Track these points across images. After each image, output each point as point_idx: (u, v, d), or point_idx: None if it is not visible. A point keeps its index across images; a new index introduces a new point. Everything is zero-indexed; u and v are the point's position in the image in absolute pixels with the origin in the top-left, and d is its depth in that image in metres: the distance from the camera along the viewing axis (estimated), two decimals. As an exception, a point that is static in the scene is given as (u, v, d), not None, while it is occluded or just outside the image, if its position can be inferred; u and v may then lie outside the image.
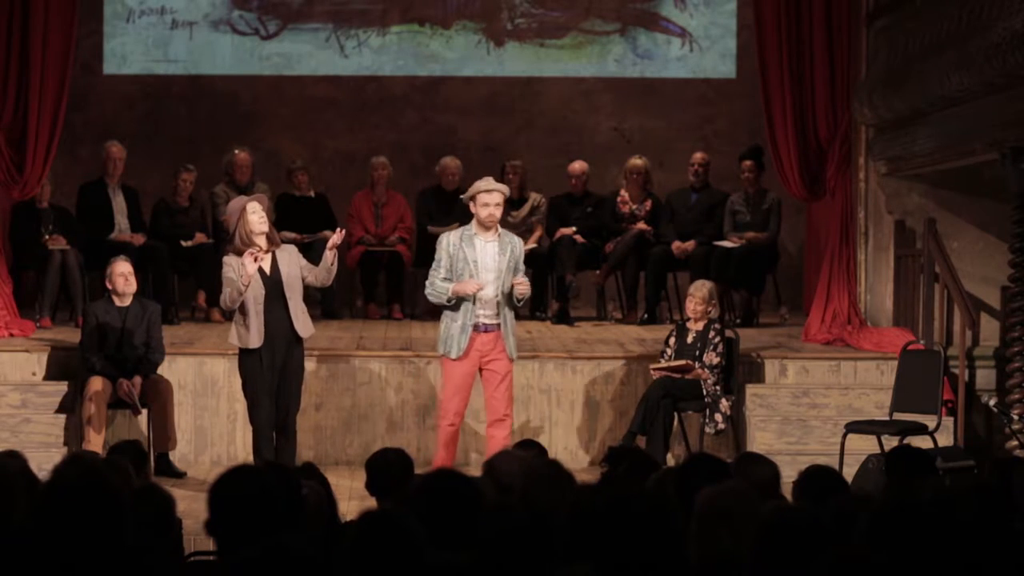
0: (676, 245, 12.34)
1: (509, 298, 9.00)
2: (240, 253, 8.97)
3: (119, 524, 3.83)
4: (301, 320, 9.07)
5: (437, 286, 9.08)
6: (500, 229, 9.11)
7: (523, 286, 8.95)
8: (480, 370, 9.06)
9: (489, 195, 9.02)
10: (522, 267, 9.13)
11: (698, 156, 12.81)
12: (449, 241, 9.10)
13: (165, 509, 4.83)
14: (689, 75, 14.76)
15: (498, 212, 9.05)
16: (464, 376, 9.04)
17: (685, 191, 12.79)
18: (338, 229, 9.29)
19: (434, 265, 9.15)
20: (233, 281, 8.89)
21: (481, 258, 8.99)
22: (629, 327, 12.21)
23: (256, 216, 9.03)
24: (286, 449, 9.09)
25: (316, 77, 14.68)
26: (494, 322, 9.00)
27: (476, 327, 8.98)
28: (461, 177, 12.94)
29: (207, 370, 10.38)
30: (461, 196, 9.42)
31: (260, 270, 8.97)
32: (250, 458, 9.26)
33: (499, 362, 9.00)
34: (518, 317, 12.38)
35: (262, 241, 9.02)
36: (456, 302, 8.99)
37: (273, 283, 9.01)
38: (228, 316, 9.32)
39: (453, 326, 9.03)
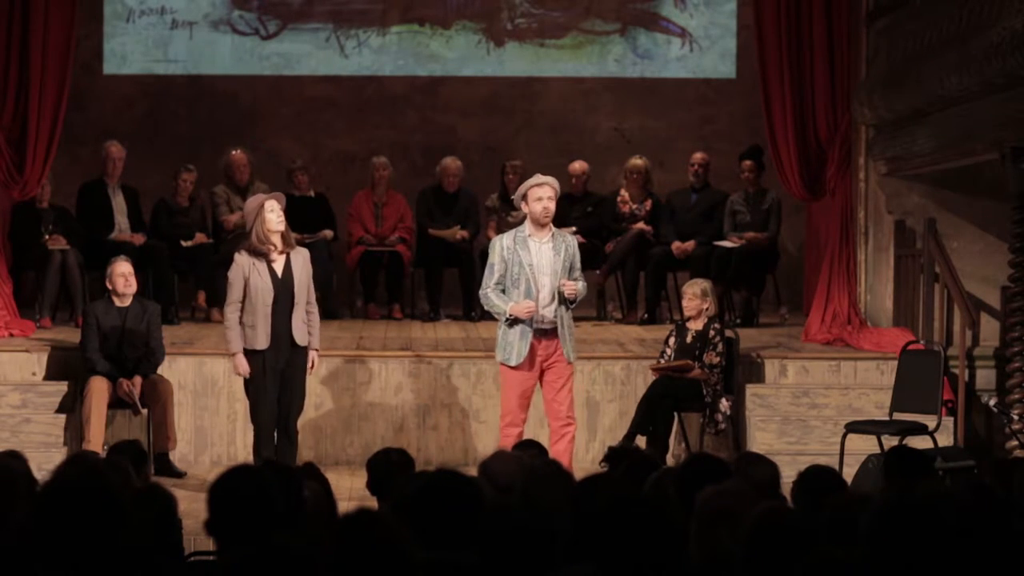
0: (676, 245, 12.34)
1: (563, 298, 8.77)
2: (254, 251, 8.99)
3: (120, 525, 3.83)
4: (300, 328, 9.08)
5: (493, 302, 8.79)
6: (553, 228, 8.86)
7: (568, 288, 8.67)
8: (540, 374, 8.86)
9: (541, 188, 8.75)
10: (578, 266, 8.88)
11: (698, 156, 12.81)
12: (503, 244, 8.83)
13: (167, 509, 4.82)
14: (689, 75, 14.76)
15: (552, 206, 8.76)
16: (525, 381, 8.79)
17: (685, 191, 12.79)
18: (311, 361, 9.23)
19: (487, 271, 8.88)
20: (230, 331, 9.04)
21: (537, 261, 8.75)
22: (629, 327, 12.20)
23: (274, 215, 9.04)
24: (287, 450, 9.10)
25: (316, 77, 14.68)
26: (553, 326, 8.78)
27: (536, 332, 8.77)
28: (462, 178, 12.93)
29: (207, 370, 10.37)
30: (512, 198, 9.22)
31: (272, 272, 9.02)
32: (250, 458, 9.26)
33: (559, 365, 8.80)
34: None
35: (277, 240, 9.03)
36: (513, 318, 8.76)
37: (284, 286, 9.02)
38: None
39: (511, 332, 8.77)
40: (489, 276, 8.84)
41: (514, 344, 8.76)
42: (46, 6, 11.12)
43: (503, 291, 8.80)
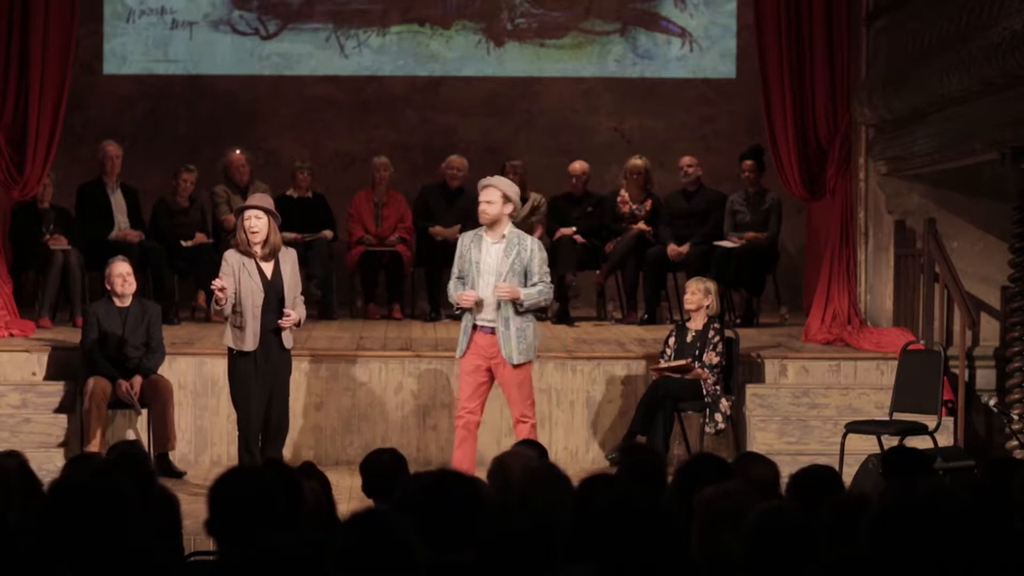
0: (671, 248, 12.33)
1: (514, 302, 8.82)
2: (243, 251, 9.03)
3: (123, 525, 3.83)
4: (287, 332, 9.15)
5: (449, 292, 9.05)
6: (512, 230, 8.90)
7: (499, 290, 8.73)
8: (491, 371, 8.94)
9: (483, 192, 8.90)
10: (537, 271, 8.85)
11: (686, 160, 12.79)
12: (464, 242, 9.00)
13: (170, 510, 4.83)
14: (689, 75, 14.76)
15: (491, 208, 8.82)
16: (470, 374, 8.90)
17: (677, 194, 12.77)
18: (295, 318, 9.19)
19: (454, 265, 9.12)
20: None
21: (484, 259, 8.84)
22: (629, 327, 12.20)
23: (249, 223, 9.05)
24: (274, 443, 9.19)
25: (316, 77, 14.68)
26: (491, 324, 8.84)
27: (475, 327, 8.89)
28: (465, 175, 12.92)
29: (207, 370, 10.37)
30: None
31: (261, 274, 9.03)
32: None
33: (503, 369, 8.84)
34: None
35: (258, 249, 9.04)
36: (463, 308, 8.91)
37: (273, 288, 9.04)
38: (225, 316, 9.32)
39: (462, 326, 8.97)
40: (454, 271, 9.04)
41: (460, 337, 8.94)
42: (46, 6, 11.12)
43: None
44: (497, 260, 8.83)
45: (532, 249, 8.89)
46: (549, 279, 8.96)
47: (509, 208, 8.90)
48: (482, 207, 8.87)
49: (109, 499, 3.83)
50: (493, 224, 8.86)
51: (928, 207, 10.98)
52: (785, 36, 11.36)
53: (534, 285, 8.82)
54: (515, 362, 8.81)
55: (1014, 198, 9.48)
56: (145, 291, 11.27)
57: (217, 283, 8.90)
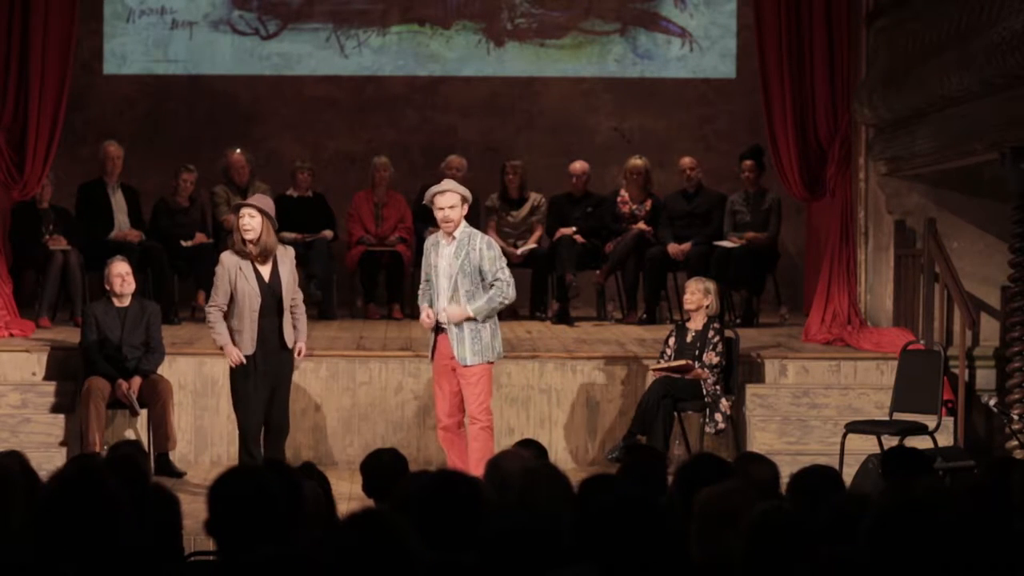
0: (672, 247, 12.34)
1: (468, 300, 8.84)
2: (236, 251, 9.01)
3: (119, 526, 3.83)
4: (289, 331, 9.12)
5: (419, 295, 9.14)
6: (463, 231, 8.86)
7: (449, 315, 8.77)
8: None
9: (441, 197, 8.83)
10: (488, 269, 8.81)
11: (686, 161, 12.80)
12: (426, 246, 9.05)
13: (169, 510, 4.82)
14: (689, 75, 14.76)
15: (453, 214, 8.78)
16: (438, 377, 8.98)
17: (679, 195, 12.77)
18: (298, 351, 9.21)
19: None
20: (215, 327, 9.00)
21: (440, 263, 8.87)
22: (629, 327, 12.20)
23: (242, 221, 9.04)
24: (275, 443, 9.20)
25: (316, 77, 14.68)
26: (445, 325, 8.88)
27: (436, 329, 8.94)
28: (465, 176, 12.91)
29: (207, 370, 10.37)
30: (424, 202, 9.27)
31: (258, 277, 9.03)
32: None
33: (459, 367, 8.86)
34: (516, 317, 12.46)
35: (251, 248, 9.03)
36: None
37: (271, 291, 9.04)
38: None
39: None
40: (422, 274, 9.12)
41: (429, 341, 9.02)
42: (46, 6, 11.12)
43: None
44: (448, 262, 8.84)
45: (481, 248, 8.85)
46: (505, 274, 8.87)
47: (466, 208, 8.92)
48: (445, 214, 8.79)
49: (97, 499, 3.83)
50: (446, 231, 8.87)
51: (928, 207, 10.99)
52: (785, 36, 11.37)
53: (490, 287, 8.81)
54: (468, 363, 8.83)
55: (1014, 198, 9.48)
56: (145, 291, 11.28)
57: (234, 358, 8.96)
